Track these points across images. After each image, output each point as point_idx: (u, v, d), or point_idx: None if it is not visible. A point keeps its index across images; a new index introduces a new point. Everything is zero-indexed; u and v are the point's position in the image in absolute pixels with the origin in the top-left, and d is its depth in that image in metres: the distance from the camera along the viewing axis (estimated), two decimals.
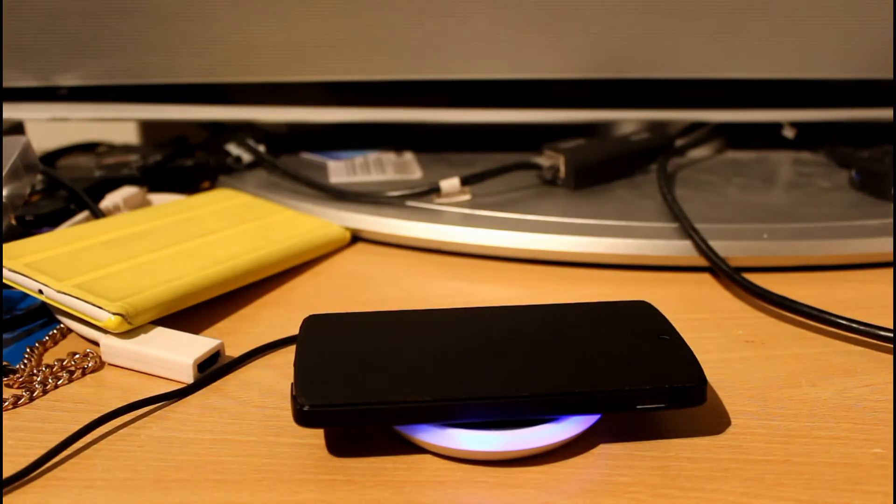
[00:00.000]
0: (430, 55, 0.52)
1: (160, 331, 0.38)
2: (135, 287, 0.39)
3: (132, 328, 0.38)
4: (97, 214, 0.49)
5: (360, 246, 0.50)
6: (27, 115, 0.56)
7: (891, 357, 0.38)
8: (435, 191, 0.51)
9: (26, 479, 0.31)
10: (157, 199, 0.54)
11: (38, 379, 0.36)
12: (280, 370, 0.38)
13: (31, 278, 0.39)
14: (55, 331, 0.40)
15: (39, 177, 0.52)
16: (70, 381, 0.37)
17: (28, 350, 0.39)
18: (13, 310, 0.43)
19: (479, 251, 0.48)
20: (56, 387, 0.36)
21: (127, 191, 0.52)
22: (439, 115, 0.56)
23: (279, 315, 0.42)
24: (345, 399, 0.30)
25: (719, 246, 0.45)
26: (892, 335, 0.38)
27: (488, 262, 0.48)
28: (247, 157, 0.58)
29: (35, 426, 0.34)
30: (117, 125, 0.70)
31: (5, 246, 0.42)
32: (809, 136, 0.60)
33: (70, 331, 0.41)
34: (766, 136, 0.62)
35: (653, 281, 0.45)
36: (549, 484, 0.30)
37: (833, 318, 0.39)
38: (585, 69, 0.53)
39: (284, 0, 0.51)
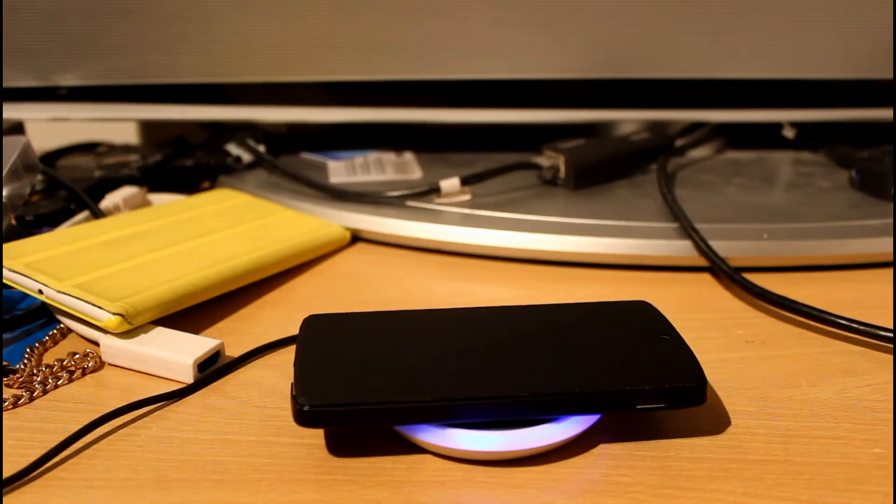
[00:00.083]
0: (430, 55, 0.52)
1: (160, 331, 0.38)
2: (135, 287, 0.39)
3: (132, 328, 0.38)
4: (97, 214, 0.49)
5: (360, 246, 0.50)
6: (27, 115, 0.56)
7: (891, 357, 0.38)
8: (435, 191, 0.51)
9: (26, 479, 0.31)
10: (157, 199, 0.54)
11: (38, 379, 0.36)
12: (280, 370, 0.38)
13: (31, 278, 0.39)
14: (55, 331, 0.40)
15: (39, 177, 0.52)
16: (70, 381, 0.37)
17: (28, 350, 0.39)
18: (13, 310, 0.43)
19: (479, 251, 0.48)
20: (56, 387, 0.36)
21: (127, 191, 0.52)
22: (439, 115, 0.56)
23: (279, 315, 0.42)
24: (345, 399, 0.30)
25: (719, 246, 0.45)
26: (892, 335, 0.38)
27: (488, 262, 0.48)
28: (247, 157, 0.58)
29: (35, 426, 0.34)
30: (117, 125, 0.70)
31: (5, 246, 0.42)
32: (809, 136, 0.60)
33: (70, 331, 0.41)
34: (766, 136, 0.62)
35: (653, 281, 0.45)
36: (549, 484, 0.30)
37: (833, 318, 0.39)
38: (585, 69, 0.53)
39: (284, 0, 0.51)
